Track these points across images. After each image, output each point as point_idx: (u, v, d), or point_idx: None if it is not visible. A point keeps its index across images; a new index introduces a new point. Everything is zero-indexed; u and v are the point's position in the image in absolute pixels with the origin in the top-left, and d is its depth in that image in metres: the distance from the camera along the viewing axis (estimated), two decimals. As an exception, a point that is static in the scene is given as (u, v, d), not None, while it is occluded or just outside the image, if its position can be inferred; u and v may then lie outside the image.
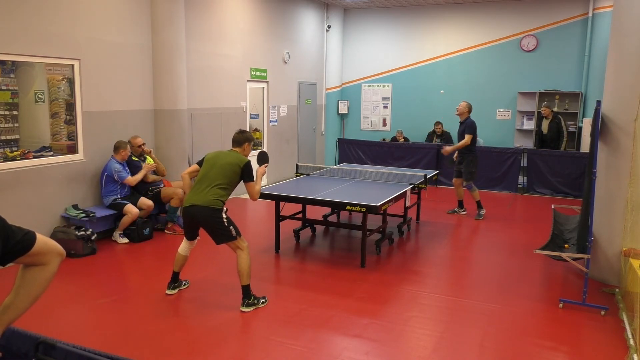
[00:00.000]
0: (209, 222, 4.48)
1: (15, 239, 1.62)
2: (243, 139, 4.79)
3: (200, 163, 4.76)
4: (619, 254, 5.15)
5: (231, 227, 4.50)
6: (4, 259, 1.62)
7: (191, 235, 4.79)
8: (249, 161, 4.64)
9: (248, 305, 4.53)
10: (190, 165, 4.98)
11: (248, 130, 4.79)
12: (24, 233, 1.66)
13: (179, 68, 7.60)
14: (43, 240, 1.69)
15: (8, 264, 1.64)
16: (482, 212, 8.16)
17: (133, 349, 3.79)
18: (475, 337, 4.13)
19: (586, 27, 10.82)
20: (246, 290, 4.55)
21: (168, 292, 4.86)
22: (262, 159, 5.06)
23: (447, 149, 8.27)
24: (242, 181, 4.64)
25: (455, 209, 8.47)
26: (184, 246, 4.85)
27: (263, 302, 4.64)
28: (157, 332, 4.12)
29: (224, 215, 4.50)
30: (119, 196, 6.54)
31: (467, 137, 7.87)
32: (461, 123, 8.11)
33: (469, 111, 8.07)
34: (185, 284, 5.03)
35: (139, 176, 6.70)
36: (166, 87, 7.52)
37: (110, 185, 6.50)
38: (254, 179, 4.64)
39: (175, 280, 4.92)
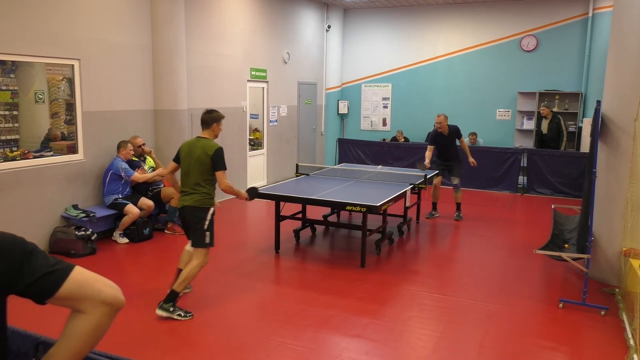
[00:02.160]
0: (193, 221, 4.42)
1: (32, 276, 1.23)
2: (210, 119, 4.54)
3: (176, 159, 4.62)
4: (619, 254, 5.15)
5: (207, 233, 4.40)
6: (34, 299, 1.27)
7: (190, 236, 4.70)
8: (218, 148, 4.40)
9: (164, 309, 4.30)
10: (170, 169, 4.87)
11: (216, 110, 4.62)
12: (51, 269, 1.25)
13: (179, 68, 7.60)
14: (81, 281, 1.28)
15: (45, 303, 1.29)
16: (461, 215, 8.13)
17: (133, 348, 3.79)
18: (475, 337, 4.13)
19: (586, 27, 10.82)
20: (172, 296, 4.34)
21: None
22: (252, 193, 4.94)
23: (473, 159, 8.15)
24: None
25: (433, 212, 8.28)
26: (189, 244, 4.77)
27: (180, 316, 4.31)
28: (157, 332, 4.12)
29: (208, 217, 4.42)
30: (120, 196, 6.54)
31: (464, 140, 8.14)
32: (447, 135, 7.97)
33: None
34: (188, 288, 4.86)
35: (147, 175, 6.72)
36: (166, 87, 7.52)
37: (113, 184, 6.50)
38: (225, 166, 4.42)
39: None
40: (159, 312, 4.30)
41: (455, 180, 8.06)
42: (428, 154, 7.99)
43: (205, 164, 4.38)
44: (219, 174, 4.40)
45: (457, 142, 8.20)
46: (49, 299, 1.25)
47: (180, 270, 4.69)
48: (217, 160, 4.38)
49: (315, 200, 5.77)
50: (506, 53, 11.61)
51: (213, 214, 4.47)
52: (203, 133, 4.55)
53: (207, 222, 4.41)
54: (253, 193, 5.00)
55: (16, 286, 1.22)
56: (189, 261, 4.57)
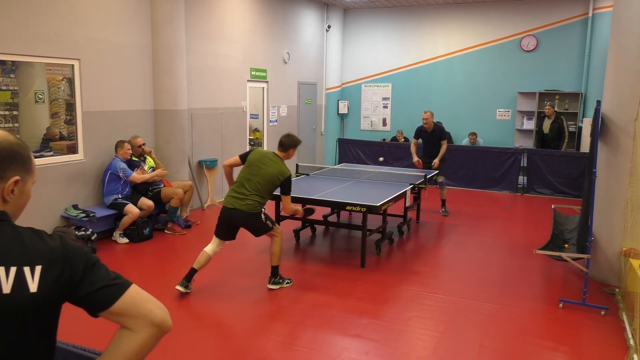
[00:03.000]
0: (251, 224, 4.83)
1: (92, 286, 1.29)
2: (290, 143, 4.97)
3: (243, 158, 4.96)
4: (619, 254, 5.15)
5: (268, 222, 4.87)
6: (88, 309, 1.32)
7: (224, 236, 4.91)
8: (289, 175, 4.84)
9: (275, 284, 5.01)
10: (230, 162, 5.14)
11: (295, 135, 5.12)
12: (110, 282, 1.31)
13: (179, 68, 7.60)
14: (135, 299, 1.33)
15: (98, 315, 1.34)
16: (447, 210, 8.28)
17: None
18: (475, 337, 4.13)
19: (586, 27, 10.82)
20: (275, 270, 5.02)
21: (179, 287, 4.78)
22: (306, 212, 5.43)
23: (436, 161, 8.10)
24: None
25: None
26: (212, 246, 4.90)
27: (288, 283, 5.08)
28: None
29: (262, 216, 4.84)
30: (120, 196, 6.54)
31: (445, 144, 8.07)
32: (431, 132, 8.13)
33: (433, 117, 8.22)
34: (188, 289, 4.86)
35: (146, 176, 6.72)
36: (166, 87, 7.52)
37: (112, 184, 6.50)
38: (290, 192, 4.87)
39: (190, 279, 4.83)
40: (272, 286, 5.00)
41: (440, 179, 8.09)
42: (412, 148, 8.31)
43: (274, 184, 4.81)
44: (285, 198, 4.87)
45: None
46: (103, 311, 1.30)
47: (193, 270, 4.83)
48: (287, 186, 4.83)
49: (315, 200, 5.77)
50: (506, 53, 11.61)
51: (264, 211, 4.91)
52: (279, 152, 4.97)
53: (263, 218, 4.85)
54: (308, 211, 5.48)
55: (75, 294, 1.28)
56: (206, 262, 4.85)
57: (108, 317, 1.30)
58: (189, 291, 4.85)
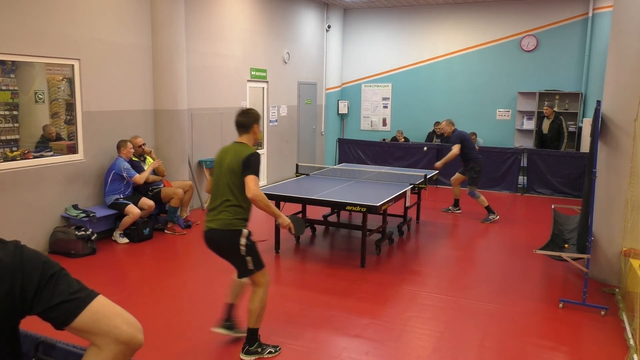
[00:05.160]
0: (225, 247, 3.63)
1: (49, 302, 1.17)
2: (250, 121, 3.71)
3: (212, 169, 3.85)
4: (619, 254, 5.15)
5: (248, 258, 3.56)
6: (51, 324, 1.20)
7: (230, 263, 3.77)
8: (253, 152, 3.59)
9: (249, 354, 3.69)
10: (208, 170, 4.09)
11: (252, 108, 3.83)
12: (69, 297, 1.19)
13: (179, 68, 7.60)
14: (99, 314, 1.20)
15: (62, 329, 1.22)
16: (491, 217, 7.96)
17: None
18: (475, 337, 4.13)
19: (586, 27, 10.82)
20: (252, 335, 3.72)
21: (217, 330, 3.96)
22: (297, 224, 3.96)
23: (438, 164, 8.17)
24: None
25: (450, 207, 8.53)
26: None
27: (270, 353, 3.74)
28: (155, 331, 4.11)
29: (243, 241, 3.54)
30: (122, 196, 6.54)
31: (455, 148, 7.92)
32: (449, 139, 8.24)
33: (453, 124, 8.18)
34: (239, 331, 3.95)
35: (145, 174, 6.73)
36: (166, 87, 7.51)
37: (115, 183, 6.50)
38: (257, 172, 3.56)
39: (228, 317, 3.96)
40: (245, 357, 3.69)
41: (468, 189, 8.06)
42: (443, 161, 8.17)
43: (236, 173, 3.54)
44: (248, 178, 3.49)
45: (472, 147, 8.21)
46: (64, 327, 1.19)
47: (230, 305, 3.97)
48: (249, 164, 3.52)
49: (315, 200, 5.77)
50: (506, 53, 11.61)
51: (249, 236, 3.59)
52: (241, 138, 3.73)
53: (243, 246, 3.54)
54: (299, 224, 3.98)
55: (32, 310, 1.17)
56: (240, 292, 3.90)
57: (73, 332, 1.19)
58: (238, 334, 3.96)
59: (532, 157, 10.22)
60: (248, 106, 9.71)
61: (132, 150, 6.70)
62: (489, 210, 8.01)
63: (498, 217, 8.05)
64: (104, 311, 1.21)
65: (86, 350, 1.22)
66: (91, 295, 1.21)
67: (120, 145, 6.62)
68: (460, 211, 8.46)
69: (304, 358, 3.76)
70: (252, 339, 3.72)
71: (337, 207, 6.10)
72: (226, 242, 3.59)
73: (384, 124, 13.12)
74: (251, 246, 3.59)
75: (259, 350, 3.72)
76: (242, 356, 3.72)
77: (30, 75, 5.98)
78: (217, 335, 3.99)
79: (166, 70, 7.48)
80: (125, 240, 6.51)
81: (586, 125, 10.32)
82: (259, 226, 7.73)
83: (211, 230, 3.60)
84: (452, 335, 4.18)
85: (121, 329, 1.20)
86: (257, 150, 3.68)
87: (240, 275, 3.70)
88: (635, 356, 3.73)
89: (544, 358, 3.84)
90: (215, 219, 3.59)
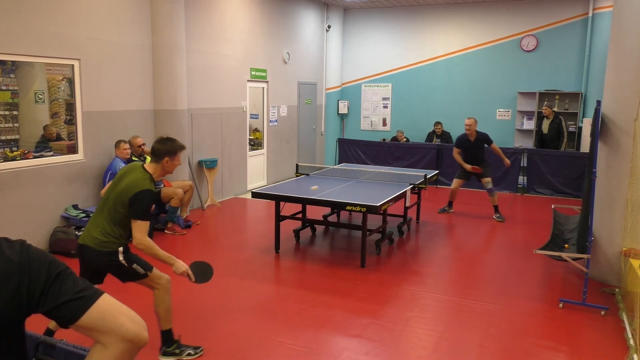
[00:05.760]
0: (105, 267, 3.49)
1: (55, 301, 1.18)
2: (163, 150, 3.46)
3: None
4: (619, 254, 5.15)
5: (134, 266, 3.50)
6: (57, 322, 1.22)
7: (91, 280, 3.26)
8: (144, 190, 3.32)
9: (166, 355, 3.62)
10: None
11: (175, 140, 3.57)
12: (75, 296, 1.20)
13: (179, 68, 7.60)
14: (105, 312, 1.21)
15: (67, 327, 1.23)
16: (501, 216, 8.09)
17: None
18: (475, 337, 4.13)
19: (586, 27, 10.82)
20: (166, 336, 3.65)
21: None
22: (201, 272, 3.75)
23: (507, 161, 8.31)
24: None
25: (446, 208, 8.53)
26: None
27: (190, 354, 3.65)
28: (155, 332, 4.11)
29: (121, 258, 3.45)
30: (119, 196, 6.53)
31: (494, 145, 8.16)
32: (474, 140, 8.08)
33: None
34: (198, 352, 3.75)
35: None
36: (166, 87, 7.52)
37: (112, 184, 6.50)
38: (145, 215, 3.35)
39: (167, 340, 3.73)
40: (164, 359, 3.64)
41: (488, 185, 8.07)
42: (459, 158, 8.17)
43: (123, 206, 3.33)
44: (134, 225, 3.31)
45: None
46: (70, 325, 1.20)
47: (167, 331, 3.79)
48: (133, 204, 3.29)
49: (315, 200, 5.77)
50: (506, 53, 11.61)
51: (124, 251, 3.51)
52: (148, 165, 3.50)
53: (124, 261, 3.46)
54: (203, 272, 3.72)
55: (39, 308, 1.19)
56: (164, 311, 3.69)
57: (78, 331, 1.21)
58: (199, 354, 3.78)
59: (532, 157, 10.22)
60: (246, 107, 9.75)
61: (128, 150, 6.67)
62: (496, 209, 8.12)
63: (502, 217, 8.10)
64: (110, 309, 1.22)
65: (91, 349, 1.24)
66: (97, 294, 1.23)
67: (116, 145, 6.62)
68: (452, 211, 8.50)
69: (304, 358, 3.76)
70: (167, 340, 3.65)
71: (337, 207, 6.10)
72: (104, 265, 3.45)
73: (384, 124, 13.12)
74: (130, 256, 3.51)
75: (177, 351, 3.65)
76: (160, 358, 3.65)
77: (30, 75, 5.98)
78: (217, 335, 3.99)
79: (166, 70, 7.48)
80: (125, 240, 6.50)
81: (586, 125, 10.32)
82: (259, 226, 7.74)
83: (84, 247, 3.41)
84: (452, 335, 4.18)
85: (127, 326, 1.22)
86: (154, 189, 3.43)
87: (128, 281, 3.58)
88: (635, 356, 3.73)
89: (544, 358, 3.84)
90: (90, 236, 3.40)
